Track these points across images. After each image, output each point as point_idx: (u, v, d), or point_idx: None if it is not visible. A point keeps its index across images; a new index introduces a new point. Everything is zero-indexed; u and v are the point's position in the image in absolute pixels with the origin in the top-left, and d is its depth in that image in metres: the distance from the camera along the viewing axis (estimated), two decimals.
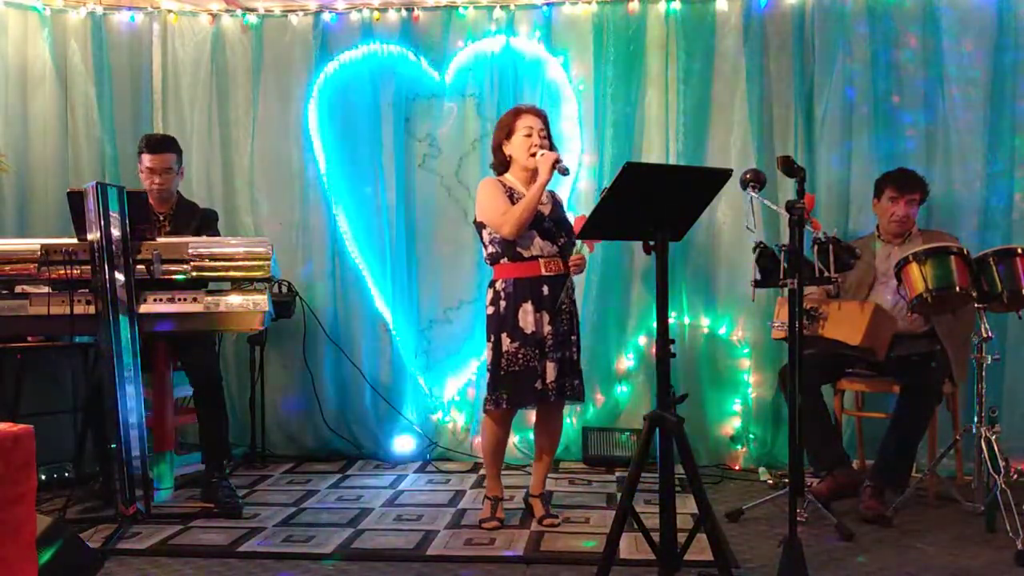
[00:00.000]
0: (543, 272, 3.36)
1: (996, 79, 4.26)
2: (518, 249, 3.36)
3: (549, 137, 3.47)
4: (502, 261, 3.40)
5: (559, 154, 3.37)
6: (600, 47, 4.53)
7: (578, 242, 3.38)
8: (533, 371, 3.31)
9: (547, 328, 3.34)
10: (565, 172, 3.35)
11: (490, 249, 3.42)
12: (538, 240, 3.37)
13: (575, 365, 3.45)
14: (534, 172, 3.36)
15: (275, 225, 4.74)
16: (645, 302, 4.51)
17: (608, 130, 4.52)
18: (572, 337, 3.44)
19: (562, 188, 4.58)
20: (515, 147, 3.42)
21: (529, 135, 3.39)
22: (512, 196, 3.38)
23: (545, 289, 3.36)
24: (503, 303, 3.37)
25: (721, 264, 4.50)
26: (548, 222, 3.41)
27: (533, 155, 3.36)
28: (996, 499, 3.19)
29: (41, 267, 3.32)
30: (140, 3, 4.76)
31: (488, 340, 3.41)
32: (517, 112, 3.48)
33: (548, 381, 3.33)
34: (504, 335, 3.35)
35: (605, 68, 4.52)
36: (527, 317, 3.33)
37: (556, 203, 3.54)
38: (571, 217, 4.52)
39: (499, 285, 3.40)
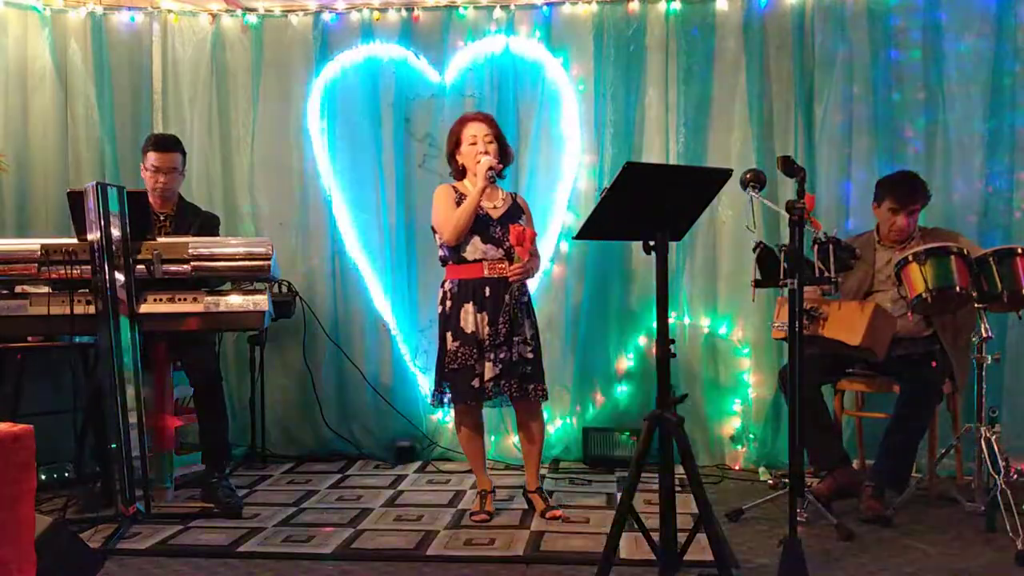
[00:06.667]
0: (486, 274, 3.48)
1: (996, 79, 4.26)
2: (462, 252, 3.49)
3: (497, 140, 3.57)
4: (450, 263, 3.54)
5: (493, 160, 3.48)
6: (600, 47, 4.53)
7: (512, 251, 3.47)
8: (471, 369, 3.44)
9: (486, 329, 3.44)
10: (493, 179, 3.48)
11: (440, 252, 3.59)
12: (479, 244, 3.48)
13: (527, 365, 3.48)
14: None
15: (275, 225, 4.74)
16: (645, 302, 4.51)
17: (608, 130, 4.52)
18: (516, 338, 3.46)
19: (562, 187, 4.60)
20: (464, 156, 3.57)
21: (474, 143, 3.54)
22: (460, 203, 3.50)
23: (487, 291, 3.47)
24: (448, 303, 3.53)
25: (721, 264, 4.50)
26: (495, 226, 3.51)
27: (478, 162, 3.48)
28: (996, 499, 3.19)
29: (41, 267, 3.31)
30: (140, 3, 4.76)
31: (438, 337, 3.57)
32: (463, 121, 3.61)
33: (485, 380, 3.42)
34: (448, 334, 3.50)
35: (605, 68, 4.52)
36: (467, 317, 3.46)
37: (514, 206, 3.61)
38: (570, 217, 4.57)
39: (447, 286, 3.56)
